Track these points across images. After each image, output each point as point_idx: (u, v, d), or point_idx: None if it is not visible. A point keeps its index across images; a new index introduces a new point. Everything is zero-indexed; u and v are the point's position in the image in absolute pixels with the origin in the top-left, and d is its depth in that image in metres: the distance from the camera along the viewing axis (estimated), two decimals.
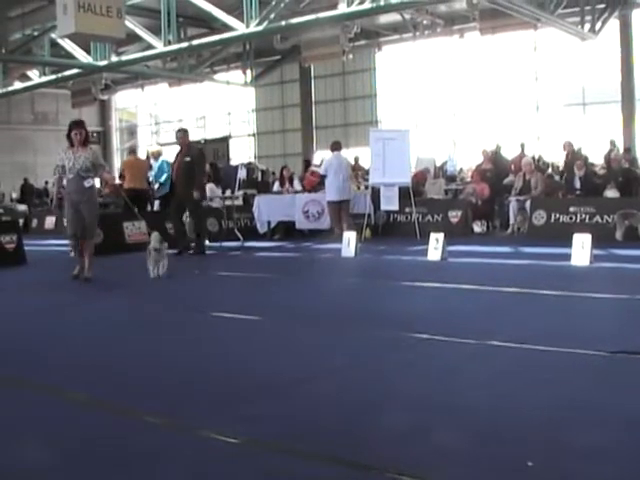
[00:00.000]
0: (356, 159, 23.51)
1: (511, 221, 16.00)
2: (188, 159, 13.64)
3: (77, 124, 10.45)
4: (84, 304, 8.63)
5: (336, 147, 16.06)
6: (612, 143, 19.88)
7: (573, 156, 18.10)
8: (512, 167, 18.29)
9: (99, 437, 3.87)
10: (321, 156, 23.41)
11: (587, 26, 20.64)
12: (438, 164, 21.87)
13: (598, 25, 20.88)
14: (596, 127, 24.05)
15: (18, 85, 26.11)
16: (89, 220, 10.20)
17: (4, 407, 4.49)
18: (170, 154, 16.07)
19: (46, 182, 29.88)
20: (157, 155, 17.46)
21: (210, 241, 16.28)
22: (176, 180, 13.87)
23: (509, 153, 19.95)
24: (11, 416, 4.29)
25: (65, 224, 11.22)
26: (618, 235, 13.55)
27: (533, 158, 17.47)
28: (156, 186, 16.66)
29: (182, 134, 14.22)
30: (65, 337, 6.62)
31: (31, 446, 3.77)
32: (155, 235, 10.30)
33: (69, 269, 10.52)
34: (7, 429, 4.05)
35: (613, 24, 22.28)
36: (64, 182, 10.35)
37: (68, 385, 4.92)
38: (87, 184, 10.11)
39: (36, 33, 22.81)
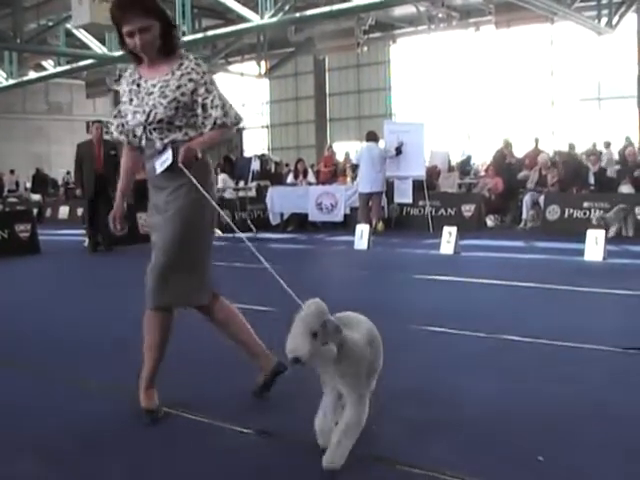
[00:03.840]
0: None
1: (524, 216, 15.96)
2: (113, 152, 12.97)
3: None
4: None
5: (370, 137, 15.93)
6: (627, 140, 19.79)
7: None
8: (526, 161, 18.24)
9: (116, 425, 3.93)
10: (335, 147, 23.38)
11: (604, 20, 20.51)
12: (457, 160, 21.84)
13: (615, 19, 20.74)
14: (612, 122, 23.94)
15: (33, 75, 26.16)
16: (181, 260, 3.96)
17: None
18: None
19: (68, 172, 28.20)
20: None
21: (223, 232, 16.30)
22: (105, 172, 12.89)
23: (522, 148, 19.89)
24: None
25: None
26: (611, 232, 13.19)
27: (551, 156, 17.38)
28: None
29: (102, 126, 13.38)
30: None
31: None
32: (320, 305, 3.60)
33: (82, 258, 10.25)
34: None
35: (631, 18, 22.16)
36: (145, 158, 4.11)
37: (86, 372, 4.95)
38: (161, 162, 3.92)
39: (51, 23, 22.88)
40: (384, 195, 16.43)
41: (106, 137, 13.16)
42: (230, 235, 15.54)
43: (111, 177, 13.01)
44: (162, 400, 4.01)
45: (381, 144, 16.33)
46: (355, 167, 16.49)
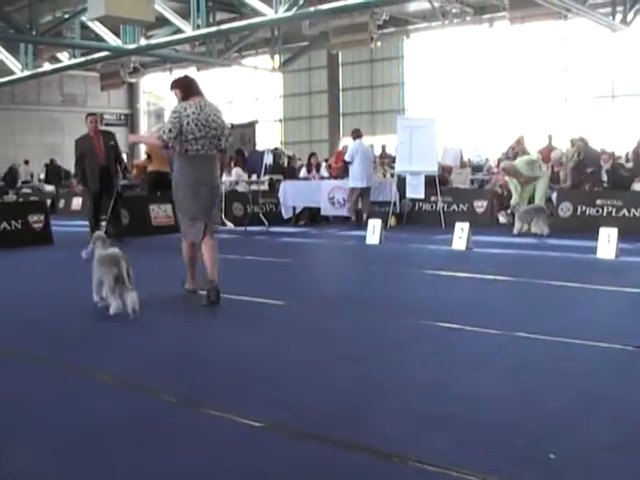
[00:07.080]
0: (383, 147, 23.51)
1: None
2: (112, 143, 13.25)
3: None
4: None
5: (358, 135, 16.24)
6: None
7: (586, 153, 17.75)
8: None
9: (123, 414, 3.95)
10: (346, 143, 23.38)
11: (618, 17, 20.38)
12: (465, 155, 21.80)
13: (630, 16, 20.60)
14: (625, 120, 23.83)
15: (48, 67, 26.24)
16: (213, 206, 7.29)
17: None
18: None
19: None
20: None
21: (235, 225, 16.35)
22: (108, 164, 13.01)
23: (535, 144, 19.83)
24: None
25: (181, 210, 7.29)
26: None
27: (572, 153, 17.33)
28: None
29: (97, 118, 13.77)
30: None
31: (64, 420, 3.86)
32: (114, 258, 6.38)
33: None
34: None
35: None
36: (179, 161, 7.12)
37: (97, 365, 4.99)
38: (215, 171, 7.24)
39: (67, 16, 22.87)
40: (396, 190, 16.50)
41: (101, 127, 13.19)
42: (241, 228, 15.67)
43: (113, 167, 13.06)
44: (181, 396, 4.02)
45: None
46: (348, 163, 16.50)
